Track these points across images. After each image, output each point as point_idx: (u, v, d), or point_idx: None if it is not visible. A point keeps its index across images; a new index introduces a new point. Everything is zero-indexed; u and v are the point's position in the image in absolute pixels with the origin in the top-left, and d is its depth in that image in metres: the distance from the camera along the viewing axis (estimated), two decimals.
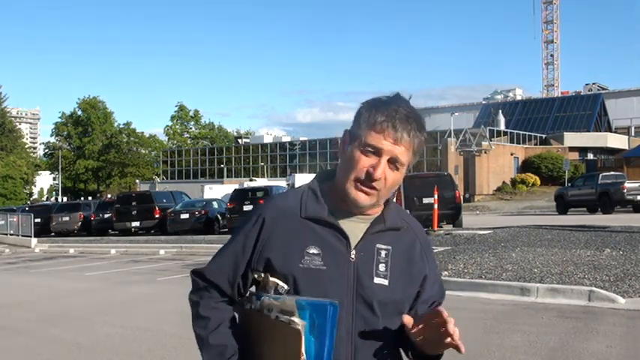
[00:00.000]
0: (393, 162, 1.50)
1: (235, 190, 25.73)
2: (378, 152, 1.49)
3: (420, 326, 1.45)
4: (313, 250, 1.51)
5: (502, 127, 51.89)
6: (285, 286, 1.50)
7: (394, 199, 1.61)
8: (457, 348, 1.43)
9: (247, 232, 1.58)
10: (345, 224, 1.55)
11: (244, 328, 1.57)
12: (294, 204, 1.57)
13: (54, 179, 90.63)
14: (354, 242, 1.54)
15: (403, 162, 1.51)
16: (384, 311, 1.53)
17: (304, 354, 1.41)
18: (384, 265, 1.55)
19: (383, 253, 1.56)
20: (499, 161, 44.99)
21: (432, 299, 1.65)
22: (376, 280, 1.53)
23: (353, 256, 1.53)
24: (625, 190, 24.96)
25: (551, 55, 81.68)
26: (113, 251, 19.86)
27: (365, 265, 1.53)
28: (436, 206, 16.81)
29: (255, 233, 1.56)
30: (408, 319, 1.46)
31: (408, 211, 1.75)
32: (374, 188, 1.50)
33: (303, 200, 1.57)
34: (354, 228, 1.55)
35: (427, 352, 1.51)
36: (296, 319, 1.42)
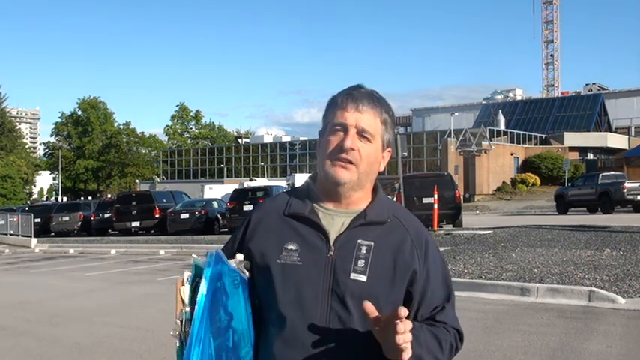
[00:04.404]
0: (361, 133, 1.54)
1: (235, 190, 25.69)
2: (344, 128, 1.53)
3: (381, 324, 1.40)
4: (291, 246, 1.54)
5: (502, 127, 51.88)
6: (240, 256, 1.58)
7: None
8: (399, 352, 1.36)
9: (237, 230, 1.69)
10: (328, 220, 1.57)
11: None
12: (280, 203, 1.64)
13: (54, 179, 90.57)
14: (334, 238, 1.54)
15: (372, 132, 1.54)
16: (361, 308, 1.45)
17: (185, 301, 1.54)
18: (363, 261, 1.52)
19: (364, 248, 1.53)
20: (499, 161, 44.98)
21: (435, 303, 1.59)
22: (353, 275, 1.50)
23: (331, 252, 1.53)
24: (625, 190, 24.95)
25: (551, 55, 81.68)
26: (113, 251, 19.87)
27: (343, 262, 1.52)
28: (436, 206, 16.80)
29: (242, 231, 1.66)
30: (368, 305, 1.40)
31: (404, 207, 1.71)
32: (349, 162, 1.53)
33: (290, 199, 1.63)
34: (337, 224, 1.56)
35: (388, 357, 1.41)
36: (186, 272, 1.59)
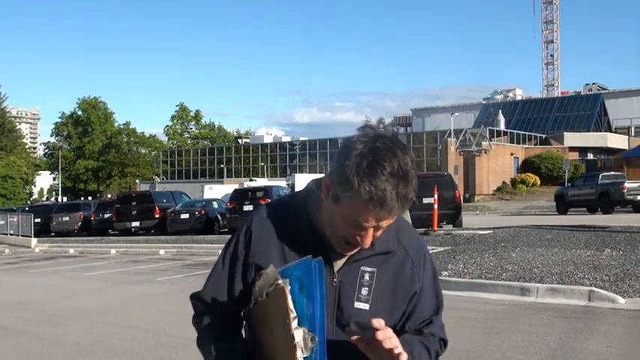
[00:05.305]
0: (378, 229, 1.44)
1: (235, 190, 25.72)
2: (363, 227, 1.41)
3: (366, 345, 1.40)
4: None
5: (502, 127, 51.92)
6: (271, 265, 1.47)
7: None
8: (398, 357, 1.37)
9: (237, 244, 1.59)
10: (331, 246, 1.51)
11: (250, 332, 1.56)
12: (279, 222, 1.56)
13: (54, 179, 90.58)
14: (338, 265, 1.52)
15: (391, 223, 1.44)
16: (364, 336, 1.45)
17: (293, 310, 1.40)
18: (367, 288, 1.51)
19: (367, 275, 1.52)
20: (499, 161, 45.01)
21: (424, 317, 1.60)
22: (357, 304, 1.50)
23: (335, 280, 1.51)
24: (625, 190, 24.97)
25: (551, 55, 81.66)
26: (113, 251, 19.87)
27: (347, 290, 1.51)
28: (436, 206, 16.81)
29: (244, 246, 1.57)
30: (350, 331, 1.41)
31: (404, 221, 1.64)
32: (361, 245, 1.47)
33: (289, 220, 1.55)
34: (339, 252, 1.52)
35: None
36: (279, 280, 1.41)
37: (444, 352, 1.65)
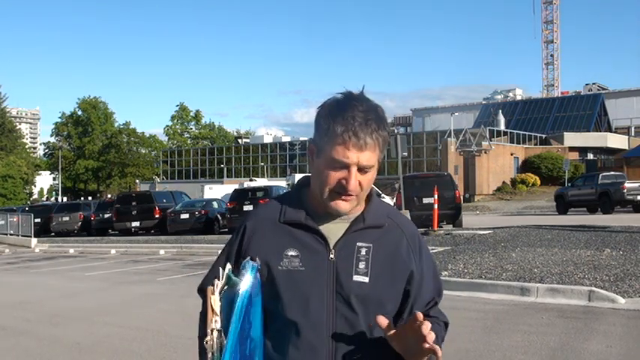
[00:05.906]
0: (362, 169, 1.51)
1: (235, 190, 25.69)
2: (345, 165, 1.49)
3: (394, 330, 1.45)
4: (292, 253, 1.55)
5: (502, 127, 51.91)
6: (227, 265, 1.51)
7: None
8: (434, 352, 1.40)
9: (232, 241, 1.66)
10: (324, 226, 1.57)
11: None
12: (273, 211, 1.63)
13: (54, 179, 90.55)
14: (333, 242, 1.56)
15: (372, 164, 1.52)
16: (366, 309, 1.53)
17: (217, 312, 1.43)
18: (364, 262, 1.55)
19: (363, 250, 1.56)
20: (499, 161, 44.99)
21: (429, 298, 1.64)
22: (355, 277, 1.53)
23: (332, 255, 1.54)
24: (625, 190, 24.97)
25: (551, 55, 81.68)
26: (113, 251, 19.87)
27: (344, 264, 1.54)
28: (436, 206, 16.81)
29: (238, 241, 1.63)
30: (381, 320, 1.45)
31: (396, 208, 1.71)
32: (351, 195, 1.52)
33: (283, 206, 1.62)
34: (334, 228, 1.57)
35: None
36: (217, 281, 1.48)
37: (445, 334, 1.70)
